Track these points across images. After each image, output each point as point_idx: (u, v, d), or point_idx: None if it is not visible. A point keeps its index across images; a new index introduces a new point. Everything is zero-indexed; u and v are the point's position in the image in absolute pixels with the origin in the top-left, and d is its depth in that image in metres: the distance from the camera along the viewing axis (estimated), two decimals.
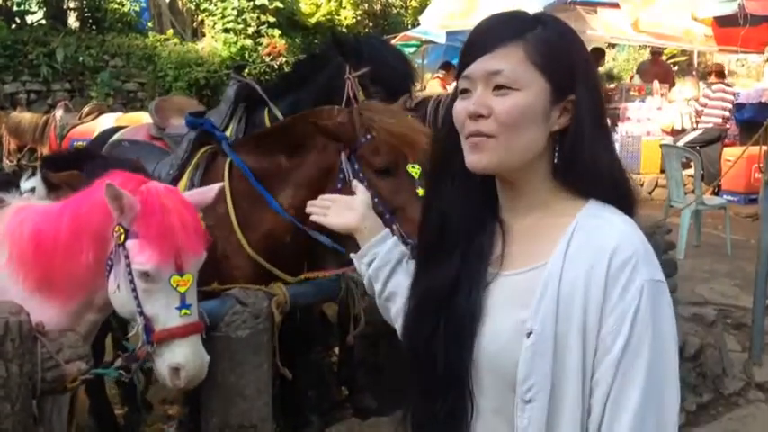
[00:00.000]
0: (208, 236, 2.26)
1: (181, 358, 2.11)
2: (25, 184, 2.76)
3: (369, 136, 2.72)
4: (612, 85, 11.16)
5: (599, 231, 1.18)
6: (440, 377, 1.26)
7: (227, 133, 3.53)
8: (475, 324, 1.23)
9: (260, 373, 2.91)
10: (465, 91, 1.24)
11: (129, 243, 2.08)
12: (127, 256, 2.08)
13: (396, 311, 1.52)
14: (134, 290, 2.09)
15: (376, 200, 2.71)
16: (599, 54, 11.17)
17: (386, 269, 1.54)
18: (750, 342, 4.45)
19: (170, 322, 2.10)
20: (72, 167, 2.51)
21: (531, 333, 1.16)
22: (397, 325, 1.49)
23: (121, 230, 2.08)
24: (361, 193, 1.67)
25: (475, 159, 1.22)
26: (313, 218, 1.68)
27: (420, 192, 2.57)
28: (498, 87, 1.19)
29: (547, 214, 1.25)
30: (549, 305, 1.16)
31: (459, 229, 1.30)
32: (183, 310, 2.12)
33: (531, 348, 1.15)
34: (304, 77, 3.74)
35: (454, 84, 1.40)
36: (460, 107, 1.23)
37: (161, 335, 2.10)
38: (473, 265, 1.27)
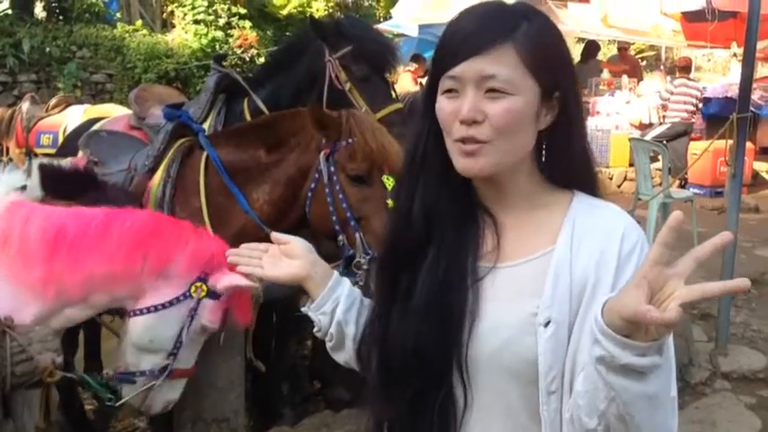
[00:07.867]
0: None
1: (178, 395, 2.36)
2: (10, 178, 2.66)
3: (350, 140, 2.72)
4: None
5: (602, 217, 1.19)
6: (430, 380, 1.19)
7: (206, 124, 3.50)
8: (473, 321, 1.17)
9: (232, 366, 2.90)
10: (451, 90, 1.17)
11: (207, 302, 2.23)
12: (195, 309, 2.23)
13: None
14: (180, 335, 2.26)
15: (344, 205, 2.71)
16: (594, 47, 11.26)
17: (354, 310, 1.40)
18: (716, 332, 4.51)
19: (189, 365, 2.33)
20: (71, 185, 2.53)
21: (549, 323, 1.12)
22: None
23: (204, 288, 2.22)
24: (295, 239, 1.45)
25: (469, 164, 1.16)
26: (243, 269, 1.44)
27: (390, 203, 2.56)
28: (491, 91, 1.13)
29: (534, 207, 1.23)
30: (564, 292, 1.13)
31: (446, 225, 1.23)
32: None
33: (552, 339, 1.12)
34: (284, 65, 3.70)
35: (426, 77, 1.36)
36: (449, 108, 1.17)
37: (183, 373, 2.31)
38: (463, 261, 1.21)
